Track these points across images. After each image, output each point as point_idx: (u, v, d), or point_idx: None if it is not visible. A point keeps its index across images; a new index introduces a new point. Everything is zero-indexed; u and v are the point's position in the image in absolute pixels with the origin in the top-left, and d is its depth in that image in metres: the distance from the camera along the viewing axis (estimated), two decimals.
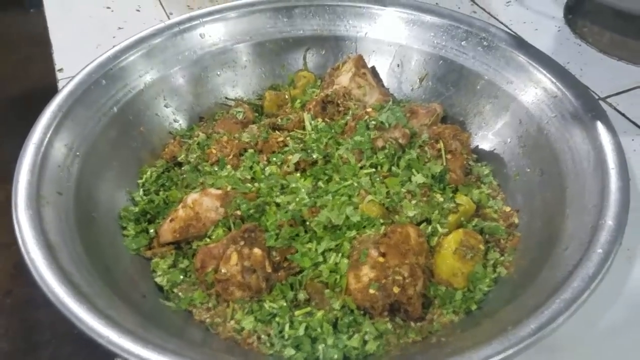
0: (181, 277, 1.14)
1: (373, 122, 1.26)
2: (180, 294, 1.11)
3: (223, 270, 1.08)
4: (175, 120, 1.43)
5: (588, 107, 1.20)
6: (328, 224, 1.13)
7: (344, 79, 1.42)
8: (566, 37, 1.76)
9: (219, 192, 1.19)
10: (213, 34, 1.48)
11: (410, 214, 1.16)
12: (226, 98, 1.50)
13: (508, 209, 1.24)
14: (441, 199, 1.20)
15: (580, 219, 1.05)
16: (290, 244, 1.12)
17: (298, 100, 1.44)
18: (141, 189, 1.29)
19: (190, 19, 1.46)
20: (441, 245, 1.12)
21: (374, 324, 1.04)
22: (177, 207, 1.20)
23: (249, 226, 1.11)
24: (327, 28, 1.53)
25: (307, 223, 1.14)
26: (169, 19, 1.86)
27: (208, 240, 1.16)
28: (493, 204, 1.25)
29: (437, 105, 1.41)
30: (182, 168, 1.32)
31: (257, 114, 1.45)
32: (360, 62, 1.44)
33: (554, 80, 1.28)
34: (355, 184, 1.19)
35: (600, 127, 1.15)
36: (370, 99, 1.42)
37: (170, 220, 1.16)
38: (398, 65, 1.51)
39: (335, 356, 0.99)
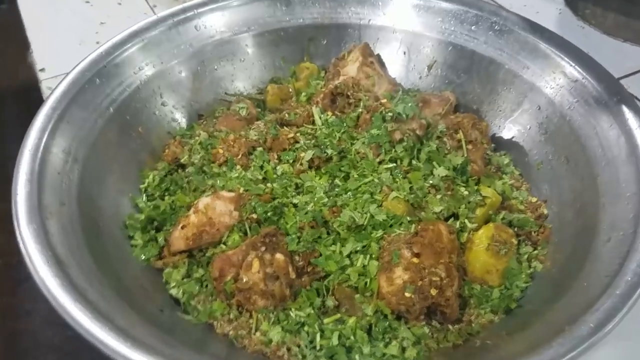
0: (197, 287, 1.06)
1: (389, 114, 1.19)
2: (198, 305, 1.04)
3: (244, 279, 1.01)
4: (173, 119, 1.34)
5: (612, 90, 1.15)
6: (352, 224, 1.06)
7: (351, 69, 1.35)
8: (568, 20, 1.71)
9: (232, 194, 1.11)
10: (209, 25, 1.39)
11: (437, 209, 1.10)
12: (226, 93, 1.42)
13: (534, 199, 1.19)
14: (466, 192, 1.14)
15: (618, 209, 1.00)
16: (314, 247, 1.05)
17: (303, 94, 1.37)
18: (144, 195, 1.20)
19: (184, 10, 1.37)
20: (472, 242, 1.07)
21: (410, 329, 0.98)
22: (186, 212, 1.12)
23: (270, 230, 1.03)
24: (329, 16, 1.45)
25: (329, 224, 1.07)
26: (153, 11, 1.77)
27: (224, 246, 1.08)
28: (518, 195, 1.20)
29: (449, 94, 1.36)
30: (186, 170, 1.24)
31: (259, 110, 1.37)
32: (367, 50, 1.37)
33: (573, 64, 1.23)
34: (376, 180, 1.12)
35: (627, 111, 1.11)
36: (379, 89, 1.35)
37: (182, 227, 1.08)
38: (404, 53, 1.44)
39: None
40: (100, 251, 1.01)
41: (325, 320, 0.99)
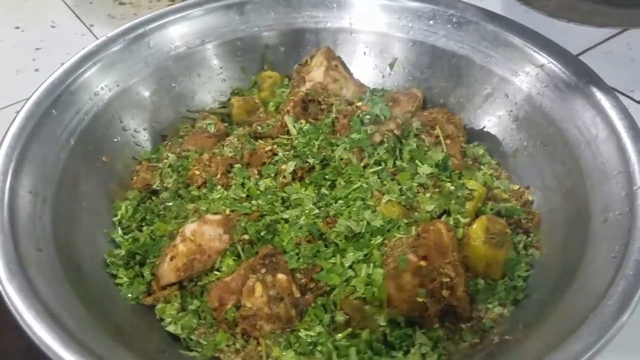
0: (195, 320, 1.00)
1: (367, 117, 1.17)
2: (200, 339, 0.98)
3: (248, 305, 0.96)
4: (137, 144, 1.27)
5: (580, 72, 1.18)
6: (349, 233, 1.03)
7: (316, 74, 1.32)
8: (512, 5, 1.73)
9: (219, 217, 1.06)
10: (162, 41, 1.32)
11: (429, 208, 1.09)
12: (188, 110, 1.35)
13: (516, 187, 1.21)
14: (452, 188, 1.13)
15: (608, 189, 1.02)
16: (314, 262, 1.01)
17: (271, 103, 1.32)
18: (119, 228, 1.13)
19: (134, 27, 1.30)
20: (469, 237, 1.06)
21: (425, 334, 0.96)
22: (169, 242, 1.06)
23: (268, 251, 0.99)
24: (284, 22, 1.42)
25: (326, 236, 1.04)
26: (91, 32, 1.68)
27: (218, 273, 1.03)
28: (499, 184, 1.21)
29: (416, 90, 1.35)
30: (160, 196, 1.17)
31: (226, 124, 1.31)
32: (330, 54, 1.35)
33: (537, 49, 1.25)
34: (365, 185, 1.10)
35: (599, 91, 1.13)
36: (347, 92, 1.33)
37: (171, 259, 1.02)
38: (364, 54, 1.43)
39: None
40: (87, 295, 0.94)
41: (338, 337, 0.96)
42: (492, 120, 1.30)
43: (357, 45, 1.42)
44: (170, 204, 1.14)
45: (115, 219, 1.14)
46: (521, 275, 1.04)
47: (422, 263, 0.95)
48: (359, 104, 1.20)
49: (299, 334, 0.97)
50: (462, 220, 1.09)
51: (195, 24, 1.36)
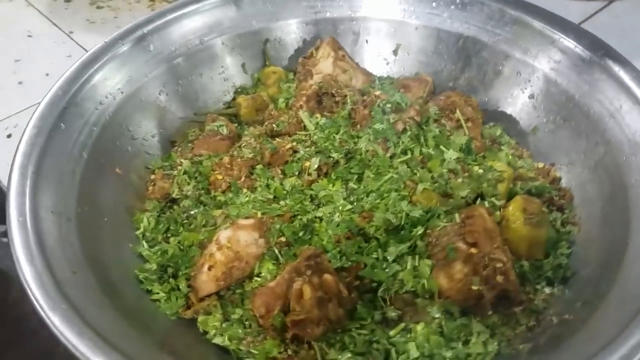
0: (241, 330, 0.96)
1: (388, 106, 1.14)
2: (251, 349, 0.94)
3: (297, 309, 0.92)
4: (147, 152, 1.21)
5: (595, 46, 1.17)
6: (388, 226, 1.00)
7: (325, 65, 1.28)
8: None
9: (252, 221, 1.01)
10: (160, 44, 1.26)
11: (463, 194, 1.07)
12: (195, 114, 1.29)
13: (541, 165, 1.20)
14: (481, 171, 1.12)
15: None
16: (357, 259, 0.98)
17: (280, 100, 1.28)
18: (144, 241, 1.07)
19: (130, 31, 1.23)
20: (507, 219, 1.05)
21: (479, 322, 0.94)
22: (202, 251, 1.01)
23: (311, 252, 0.95)
24: (282, 14, 1.37)
25: (364, 231, 1.01)
26: (71, 38, 1.59)
27: (259, 279, 0.98)
28: (523, 164, 1.20)
29: (426, 75, 1.33)
30: (181, 205, 1.12)
31: (235, 125, 1.26)
32: (336, 44, 1.31)
33: (546, 25, 1.24)
34: (395, 176, 1.07)
35: (615, 64, 1.13)
36: (356, 82, 1.30)
37: (209, 269, 0.97)
38: (367, 42, 1.40)
39: None
40: (130, 315, 0.89)
41: (392, 333, 0.93)
42: (507, 99, 1.29)
43: (358, 33, 1.39)
44: (194, 212, 1.10)
45: (138, 232, 1.08)
46: (564, 252, 1.03)
47: (473, 250, 0.94)
48: (377, 92, 1.17)
49: (352, 333, 0.93)
50: (497, 203, 1.07)
51: (192, 22, 1.30)
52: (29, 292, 0.79)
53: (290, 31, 1.39)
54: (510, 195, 1.10)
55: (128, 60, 1.21)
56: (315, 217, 1.03)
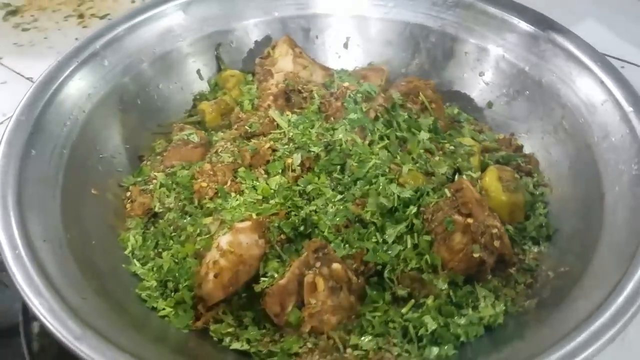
0: (256, 331, 0.96)
1: (359, 95, 1.17)
2: (270, 349, 0.94)
3: (312, 302, 0.94)
4: (117, 170, 1.18)
5: (538, 20, 1.26)
6: (382, 210, 1.04)
7: (284, 64, 1.29)
8: None
9: (249, 223, 1.01)
10: (113, 58, 1.23)
11: (442, 170, 1.12)
12: (159, 125, 1.27)
13: (501, 136, 1.27)
14: (452, 148, 1.18)
15: (599, 117, 1.11)
16: (360, 245, 1.00)
17: (246, 102, 1.28)
18: (134, 260, 1.04)
19: (82, 47, 1.19)
20: (486, 189, 1.11)
21: (483, 287, 0.99)
22: (200, 260, 1.00)
23: (317, 245, 0.97)
24: (232, 17, 1.37)
25: (360, 217, 1.03)
26: (2, 65, 1.51)
27: (266, 279, 0.98)
28: (485, 137, 1.27)
29: (381, 65, 1.38)
30: (165, 218, 1.09)
31: (203, 132, 1.25)
32: (292, 42, 1.33)
33: (489, 5, 1.31)
34: (379, 162, 1.10)
35: (560, 34, 1.23)
36: (316, 77, 1.32)
37: (215, 276, 0.96)
38: (317, 37, 1.42)
39: (481, 332, 0.93)
40: (148, 334, 0.87)
41: (404, 311, 0.97)
42: (459, 79, 1.36)
43: (308, 29, 1.42)
44: (181, 223, 1.07)
45: (127, 252, 1.05)
46: (542, 212, 1.10)
47: (469, 220, 0.98)
48: (346, 84, 1.20)
49: (367, 317, 0.96)
50: (474, 175, 1.13)
51: (143, 33, 1.28)
52: (47, 325, 0.75)
53: (242, 34, 1.39)
54: (482, 167, 1.16)
55: (84, 77, 1.17)
56: (311, 211, 1.04)
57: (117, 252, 1.04)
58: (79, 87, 1.15)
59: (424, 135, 1.17)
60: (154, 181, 1.15)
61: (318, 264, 0.95)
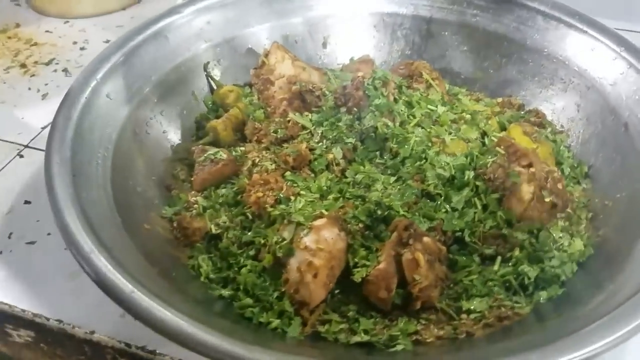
0: (370, 321, 0.95)
1: (377, 82, 1.20)
2: (391, 333, 0.92)
3: (417, 278, 0.94)
4: (152, 203, 1.10)
5: None
6: (442, 180, 1.07)
7: (284, 69, 1.29)
8: None
9: (325, 220, 1.00)
10: (114, 91, 1.15)
11: (474, 136, 1.18)
12: (173, 152, 1.21)
13: (499, 99, 1.35)
14: (468, 116, 1.23)
15: (592, 59, 1.22)
16: (434, 217, 1.03)
17: (257, 111, 1.25)
18: (213, 285, 0.99)
19: (84, 82, 1.12)
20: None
21: (554, 230, 1.05)
22: (288, 266, 0.97)
23: (405, 223, 0.97)
24: (209, 35, 1.34)
25: (426, 192, 1.06)
26: None
27: (359, 269, 0.97)
28: (484, 104, 1.34)
29: (365, 56, 1.41)
30: (227, 237, 1.05)
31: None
32: (284, 47, 1.33)
33: None
34: (417, 139, 1.13)
35: None
36: (314, 78, 1.33)
37: (314, 276, 0.94)
38: (296, 42, 1.43)
39: (575, 268, 0.99)
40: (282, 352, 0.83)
41: (495, 268, 1.00)
42: (442, 58, 1.42)
43: (287, 36, 1.42)
44: (245, 238, 1.03)
45: (202, 278, 0.99)
46: (568, 155, 1.19)
47: (532, 169, 1.04)
48: (360, 74, 1.22)
49: (464, 283, 0.98)
50: (498, 135, 1.19)
51: (134, 64, 1.21)
52: None
53: (224, 50, 1.36)
54: (502, 129, 1.23)
55: (97, 115, 1.09)
56: (381, 196, 1.04)
57: (196, 282, 0.97)
58: (96, 126, 1.07)
59: (440, 109, 1.22)
60: (195, 206, 1.10)
61: (411, 241, 0.96)
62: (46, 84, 1.48)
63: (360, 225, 1.01)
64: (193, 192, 1.14)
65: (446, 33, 1.41)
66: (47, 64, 1.54)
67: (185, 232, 1.06)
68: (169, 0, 1.76)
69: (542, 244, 1.02)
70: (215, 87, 1.33)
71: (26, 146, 1.32)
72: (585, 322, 0.78)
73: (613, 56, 1.19)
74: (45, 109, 1.38)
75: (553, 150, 1.18)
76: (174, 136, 1.24)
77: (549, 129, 1.25)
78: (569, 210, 1.09)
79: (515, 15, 1.34)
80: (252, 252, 1.02)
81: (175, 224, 1.07)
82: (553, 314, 0.91)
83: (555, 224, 1.06)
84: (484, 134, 1.19)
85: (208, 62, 1.33)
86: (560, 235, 1.03)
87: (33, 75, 1.50)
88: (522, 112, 1.29)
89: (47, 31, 1.67)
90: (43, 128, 1.36)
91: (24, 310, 1.00)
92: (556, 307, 0.93)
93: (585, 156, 1.18)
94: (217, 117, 1.27)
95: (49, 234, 1.13)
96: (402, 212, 1.02)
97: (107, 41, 1.63)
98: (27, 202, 1.19)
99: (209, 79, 1.33)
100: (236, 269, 1.00)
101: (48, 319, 0.99)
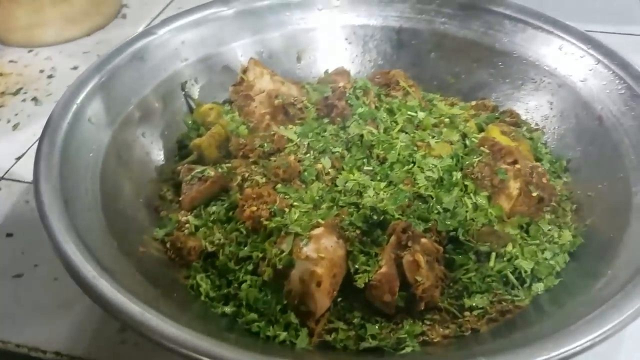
0: (376, 326, 0.95)
1: (359, 91, 1.22)
2: (398, 336, 0.93)
3: (419, 279, 0.96)
4: (145, 225, 1.09)
5: None
6: (431, 182, 1.09)
7: (264, 84, 1.30)
8: None
9: (322, 228, 1.00)
10: (94, 115, 1.14)
11: (455, 138, 1.20)
12: (158, 174, 1.20)
13: (473, 103, 1.38)
14: (447, 119, 1.26)
15: (560, 57, 1.27)
16: (428, 218, 1.04)
17: (241, 127, 1.25)
18: (214, 303, 0.98)
19: (66, 105, 1.10)
20: None
21: (542, 223, 1.08)
22: (289, 278, 0.97)
23: (403, 225, 0.99)
24: (184, 54, 1.34)
25: (418, 194, 1.08)
26: None
27: (360, 274, 0.98)
28: (459, 107, 1.37)
29: (340, 68, 1.43)
30: (223, 254, 1.04)
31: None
32: (261, 63, 1.34)
33: None
34: (402, 144, 1.15)
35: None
36: (293, 91, 1.34)
37: (318, 285, 0.94)
38: (271, 57, 1.44)
39: (567, 258, 1.03)
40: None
41: (491, 264, 1.02)
42: (413, 66, 1.44)
43: (261, 52, 1.43)
44: (242, 253, 1.03)
45: (202, 297, 0.98)
46: (546, 152, 1.23)
47: (517, 166, 1.07)
48: (341, 84, 1.24)
49: (463, 281, 1.00)
50: (478, 137, 1.22)
51: (114, 87, 1.20)
52: None
53: (200, 69, 1.36)
54: (480, 130, 1.27)
55: (82, 141, 1.08)
56: (375, 201, 1.06)
57: (197, 301, 0.96)
58: (82, 151, 1.06)
59: (421, 114, 1.24)
60: (187, 225, 1.09)
61: (410, 243, 0.97)
62: (16, 114, 1.45)
63: (358, 231, 1.01)
64: (182, 212, 1.13)
65: (416, 42, 1.44)
66: (15, 94, 1.50)
67: (180, 252, 1.04)
68: (134, 23, 1.76)
69: (533, 237, 1.04)
70: (194, 106, 1.32)
71: (2, 178, 1.28)
72: (592, 306, 0.80)
73: (581, 54, 1.24)
74: (18, 139, 1.36)
75: (531, 147, 1.22)
76: (157, 157, 1.23)
77: (525, 128, 1.29)
78: (553, 203, 1.12)
79: (483, 20, 1.38)
80: (250, 267, 1.01)
81: (168, 245, 1.06)
82: (554, 304, 0.93)
83: (542, 218, 1.09)
84: (464, 136, 1.22)
85: (185, 82, 1.32)
86: (549, 227, 1.06)
87: (2, 106, 1.47)
88: (497, 114, 1.33)
89: (11, 61, 1.63)
90: (18, 159, 1.33)
91: (18, 346, 0.97)
92: (554, 298, 0.96)
93: (563, 151, 1.22)
94: (199, 136, 1.26)
95: (35, 265, 1.10)
96: (397, 216, 1.03)
97: (75, 68, 1.61)
98: (9, 234, 1.15)
99: (187, 98, 1.32)
100: (236, 285, 0.99)
101: (45, 352, 0.96)
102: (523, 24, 1.34)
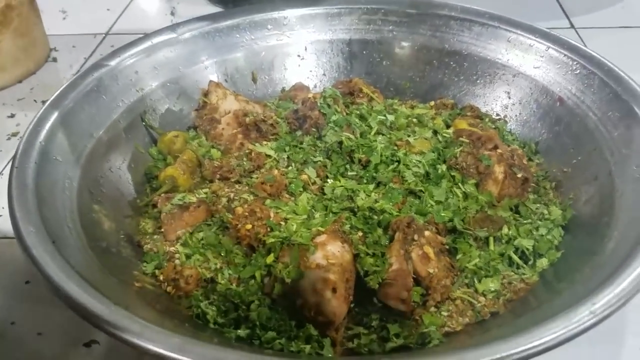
0: (396, 325, 0.93)
1: (329, 100, 1.22)
2: (421, 331, 0.92)
3: (431, 271, 0.96)
4: (131, 261, 1.03)
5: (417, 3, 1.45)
6: (420, 178, 1.10)
7: (229, 104, 1.27)
8: None
9: (325, 235, 0.98)
10: (59, 151, 1.07)
11: (429, 135, 1.22)
12: (139, 207, 1.14)
13: (432, 103, 1.41)
14: (415, 119, 1.29)
15: (513, 54, 1.33)
16: (425, 212, 1.05)
17: (213, 150, 1.22)
18: (225, 328, 0.93)
19: (29, 143, 1.03)
20: None
21: (530, 203, 1.11)
22: (303, 288, 0.94)
23: (405, 220, 0.99)
24: (143, 82, 1.29)
25: (410, 190, 1.08)
26: None
27: (372, 275, 0.96)
28: (420, 107, 1.40)
29: (299, 83, 1.43)
30: (223, 277, 1.00)
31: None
32: (221, 84, 1.31)
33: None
34: (382, 145, 1.16)
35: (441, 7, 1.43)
36: (258, 110, 1.32)
37: (333, 291, 0.91)
38: (226, 81, 1.41)
39: (561, 232, 1.05)
40: None
41: (492, 248, 1.03)
42: (369, 75, 1.47)
43: (217, 74, 1.40)
44: (243, 275, 0.99)
45: (211, 325, 0.92)
46: (513, 138, 1.27)
47: (499, 151, 1.10)
48: (310, 95, 1.23)
49: (469, 268, 1.00)
50: (448, 132, 1.25)
51: (77, 119, 1.14)
52: None
53: (155, 97, 1.31)
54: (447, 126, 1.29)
55: (51, 178, 1.00)
56: (373, 202, 1.05)
57: (207, 329, 0.90)
58: (55, 191, 0.99)
59: (390, 117, 1.25)
60: (177, 255, 1.03)
61: (416, 236, 0.97)
62: None
63: (360, 233, 1.00)
64: (168, 243, 1.07)
65: (367, 51, 1.46)
66: None
67: (176, 283, 0.98)
68: (67, 66, 1.69)
69: (524, 217, 1.07)
70: (157, 136, 1.27)
71: None
72: (611, 267, 0.82)
73: (530, 43, 1.30)
74: None
75: (500, 134, 1.25)
76: (128, 191, 1.16)
77: (487, 119, 1.33)
78: (532, 184, 1.16)
79: (429, 24, 1.42)
80: (254, 287, 0.97)
81: (162, 278, 0.99)
82: (566, 275, 0.95)
83: (527, 199, 1.12)
84: (435, 133, 1.24)
85: (145, 112, 1.27)
86: (537, 206, 1.09)
87: None
88: (457, 110, 1.36)
89: None
90: None
91: None
92: (563, 270, 0.98)
93: (530, 135, 1.27)
94: (167, 166, 1.21)
95: (12, 323, 1.00)
96: (395, 213, 1.02)
97: (12, 115, 1.52)
98: None
99: (148, 128, 1.27)
100: (244, 307, 0.94)
101: None
102: (469, 23, 1.39)
